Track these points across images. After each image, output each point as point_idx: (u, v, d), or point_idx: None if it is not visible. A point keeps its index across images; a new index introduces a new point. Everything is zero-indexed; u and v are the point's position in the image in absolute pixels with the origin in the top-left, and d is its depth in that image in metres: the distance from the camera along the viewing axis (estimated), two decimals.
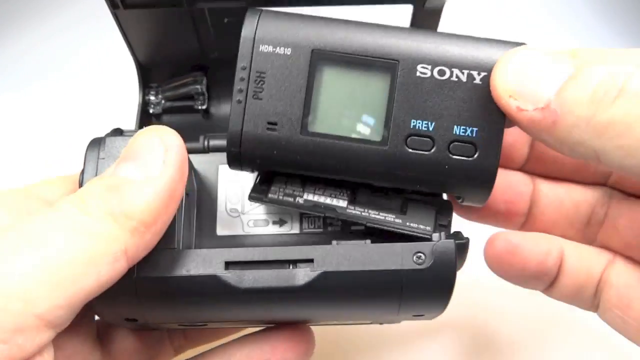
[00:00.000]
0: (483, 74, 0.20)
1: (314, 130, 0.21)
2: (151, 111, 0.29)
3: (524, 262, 0.23)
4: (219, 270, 0.20)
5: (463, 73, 0.20)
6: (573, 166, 0.25)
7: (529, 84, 0.19)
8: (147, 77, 0.29)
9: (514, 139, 0.24)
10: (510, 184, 0.25)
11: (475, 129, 0.20)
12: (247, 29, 0.21)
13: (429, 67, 0.21)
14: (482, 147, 0.20)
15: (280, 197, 0.22)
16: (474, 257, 0.23)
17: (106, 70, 0.41)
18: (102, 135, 0.23)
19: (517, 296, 0.32)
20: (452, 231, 0.22)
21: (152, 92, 0.30)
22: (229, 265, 0.20)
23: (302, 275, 0.20)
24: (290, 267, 0.21)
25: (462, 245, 0.22)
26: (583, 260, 0.24)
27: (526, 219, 0.25)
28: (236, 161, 0.21)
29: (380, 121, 0.21)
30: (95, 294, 0.18)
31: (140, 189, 0.19)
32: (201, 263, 0.20)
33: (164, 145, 0.20)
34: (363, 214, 0.22)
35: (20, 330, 0.16)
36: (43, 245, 0.17)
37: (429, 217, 0.22)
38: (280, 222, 0.24)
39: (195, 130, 0.26)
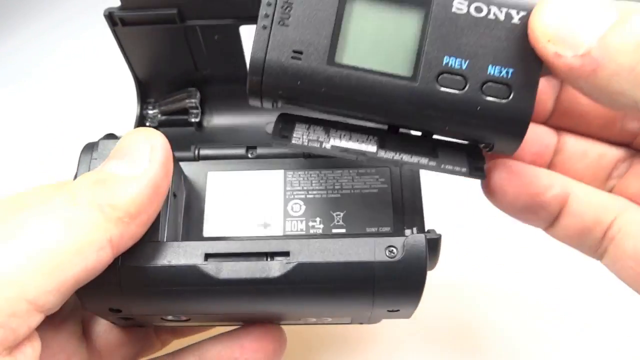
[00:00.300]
0: (522, 13, 0.20)
1: (341, 61, 0.20)
2: (147, 124, 0.31)
3: (518, 190, 0.23)
4: (198, 260, 0.21)
5: (501, 11, 0.20)
6: (599, 123, 0.24)
7: (570, 29, 0.18)
8: (145, 92, 0.31)
9: (539, 91, 0.23)
10: (535, 136, 0.24)
11: (510, 69, 0.20)
12: None
13: (466, 2, 0.20)
14: (516, 89, 0.20)
15: (305, 143, 0.21)
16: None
17: (107, 74, 0.42)
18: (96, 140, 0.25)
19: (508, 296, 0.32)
20: (426, 227, 0.23)
21: (149, 107, 0.31)
22: (208, 256, 0.21)
23: (277, 267, 0.21)
24: (268, 259, 0.22)
25: (434, 241, 0.22)
26: (592, 204, 0.23)
27: (548, 167, 0.24)
28: (256, 91, 0.20)
29: (411, 56, 0.20)
30: (83, 281, 0.19)
31: (127, 182, 0.20)
32: (182, 254, 0.21)
33: (149, 144, 0.21)
34: (395, 157, 0.21)
35: (14, 314, 0.18)
36: (34, 234, 0.18)
37: (462, 160, 0.21)
38: (265, 225, 0.25)
39: (188, 142, 0.28)
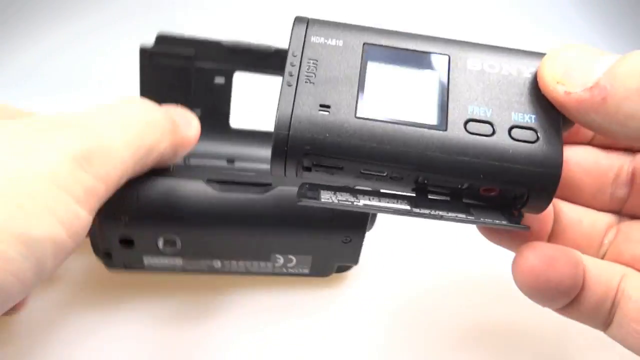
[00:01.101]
0: (532, 69, 0.22)
1: (369, 115, 0.20)
2: None
3: (560, 275, 0.22)
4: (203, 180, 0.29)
5: (512, 67, 0.22)
6: (591, 192, 0.25)
7: (577, 69, 0.19)
8: None
9: None
10: None
11: (533, 115, 0.21)
12: (298, 26, 0.22)
13: (479, 61, 0.22)
14: (543, 133, 0.20)
15: (335, 201, 0.21)
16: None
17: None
18: None
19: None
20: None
21: None
22: (209, 181, 0.29)
23: (262, 190, 0.29)
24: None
25: None
26: (602, 273, 0.23)
27: (548, 238, 0.25)
28: (282, 147, 0.20)
29: (436, 107, 0.21)
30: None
31: None
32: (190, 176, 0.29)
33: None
34: (432, 213, 0.21)
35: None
36: None
37: (497, 214, 0.22)
38: None
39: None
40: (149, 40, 0.36)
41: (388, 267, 0.36)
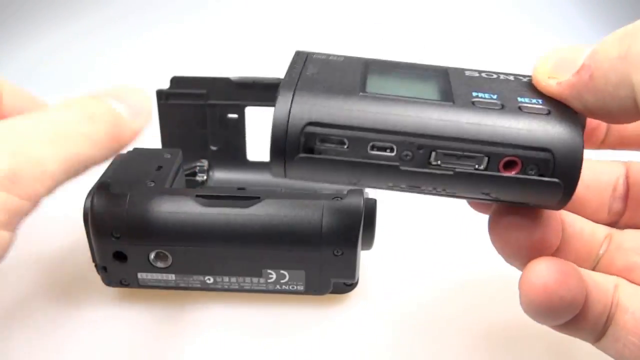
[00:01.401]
0: (528, 77, 0.22)
1: (374, 91, 0.20)
2: None
3: (574, 292, 0.21)
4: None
5: (509, 76, 0.22)
6: (593, 206, 0.25)
7: (565, 62, 0.20)
8: None
9: None
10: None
11: (540, 100, 0.20)
12: (299, 55, 0.22)
13: (476, 73, 0.22)
14: (553, 108, 0.20)
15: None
16: None
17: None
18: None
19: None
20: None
21: None
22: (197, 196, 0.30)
23: (250, 203, 0.29)
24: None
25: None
26: (599, 286, 0.22)
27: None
28: (283, 120, 0.19)
29: (440, 92, 0.21)
30: None
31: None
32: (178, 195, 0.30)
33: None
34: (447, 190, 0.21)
35: None
36: None
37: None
38: None
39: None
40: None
41: (389, 288, 0.35)
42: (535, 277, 0.21)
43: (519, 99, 0.20)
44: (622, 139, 0.25)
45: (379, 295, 0.35)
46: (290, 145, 0.19)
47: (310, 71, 0.21)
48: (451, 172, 0.19)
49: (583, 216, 0.25)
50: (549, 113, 0.20)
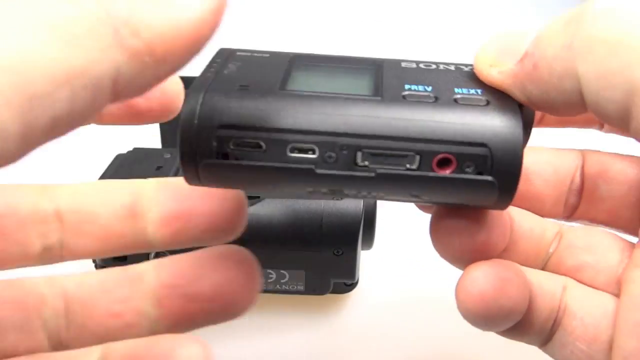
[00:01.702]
0: (471, 67, 0.20)
1: (295, 88, 0.18)
2: None
3: (514, 300, 0.19)
4: None
5: (450, 66, 0.20)
6: (551, 202, 0.23)
7: (507, 48, 0.18)
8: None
9: None
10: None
11: (479, 90, 0.19)
12: (224, 50, 0.20)
13: (414, 64, 0.20)
14: (492, 98, 0.18)
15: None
16: None
17: None
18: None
19: None
20: None
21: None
22: None
23: (250, 202, 0.29)
24: None
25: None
26: (546, 289, 0.20)
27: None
28: (191, 122, 0.17)
29: (369, 85, 0.19)
30: (56, 126, 0.13)
31: (164, 6, 0.14)
32: None
33: None
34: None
35: None
36: None
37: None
38: None
39: None
40: None
41: (389, 288, 0.35)
42: (471, 284, 0.19)
43: (456, 90, 0.18)
44: (565, 118, 0.22)
45: (379, 295, 0.35)
46: (201, 151, 0.17)
47: (229, 70, 0.19)
48: (373, 174, 0.18)
49: (540, 213, 0.23)
50: (487, 104, 0.18)
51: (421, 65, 0.20)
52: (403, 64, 0.20)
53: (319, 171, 0.18)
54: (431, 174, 0.17)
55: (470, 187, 0.18)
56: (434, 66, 0.20)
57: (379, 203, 0.31)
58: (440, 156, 0.17)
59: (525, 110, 0.19)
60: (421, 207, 0.22)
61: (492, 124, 0.17)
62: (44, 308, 0.20)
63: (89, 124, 0.15)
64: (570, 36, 0.17)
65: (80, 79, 0.12)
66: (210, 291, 0.20)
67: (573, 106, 0.17)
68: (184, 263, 0.20)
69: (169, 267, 0.21)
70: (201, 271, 0.20)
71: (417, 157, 0.17)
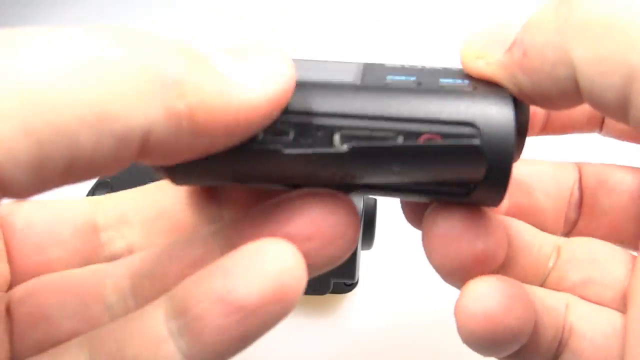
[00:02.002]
0: (459, 68, 0.19)
1: None
2: None
3: (522, 320, 0.17)
4: None
5: (438, 67, 0.19)
6: (553, 217, 0.22)
7: (494, 38, 0.17)
8: None
9: None
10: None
11: (466, 80, 0.17)
12: None
13: (399, 64, 0.19)
14: (481, 86, 0.17)
15: None
16: None
17: None
18: None
19: None
20: None
21: None
22: None
23: None
24: None
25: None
26: (549, 308, 0.19)
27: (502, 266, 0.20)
28: None
29: (350, 75, 0.17)
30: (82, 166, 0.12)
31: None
32: None
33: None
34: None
35: None
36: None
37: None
38: None
39: None
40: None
41: (389, 288, 0.35)
42: (473, 302, 0.17)
43: (441, 80, 0.17)
44: (568, 122, 0.22)
45: (379, 295, 0.35)
46: None
47: None
48: (345, 149, 0.16)
49: (542, 228, 0.21)
50: (475, 89, 0.17)
51: (405, 64, 0.19)
52: (387, 65, 0.19)
53: (287, 151, 0.16)
54: (413, 143, 0.16)
55: (450, 156, 0.16)
56: (420, 67, 0.19)
57: (379, 203, 0.31)
58: (424, 137, 0.16)
59: (519, 105, 0.17)
60: (410, 220, 0.21)
61: (481, 103, 0.16)
62: (106, 292, 0.19)
63: (107, 176, 0.14)
64: (561, 19, 0.15)
65: (109, 124, 0.12)
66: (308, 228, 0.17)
67: (568, 96, 0.16)
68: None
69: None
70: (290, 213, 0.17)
71: (400, 138, 0.16)
